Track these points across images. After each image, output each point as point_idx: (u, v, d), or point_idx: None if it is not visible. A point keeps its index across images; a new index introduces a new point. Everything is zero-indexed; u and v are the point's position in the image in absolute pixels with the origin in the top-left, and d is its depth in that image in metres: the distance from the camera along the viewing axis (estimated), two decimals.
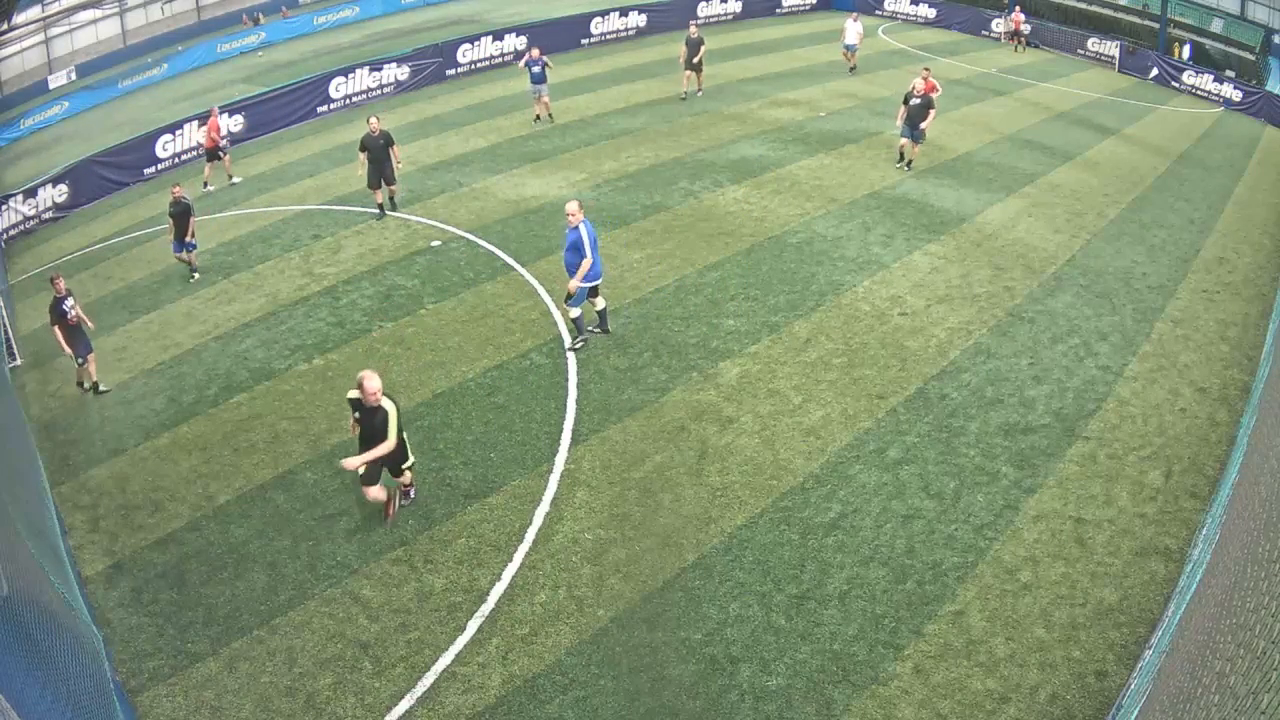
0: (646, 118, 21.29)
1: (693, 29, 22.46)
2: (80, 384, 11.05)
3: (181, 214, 13.96)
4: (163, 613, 7.72)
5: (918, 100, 16.63)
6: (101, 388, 11.09)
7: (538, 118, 21.21)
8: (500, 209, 15.99)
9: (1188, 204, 16.83)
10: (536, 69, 20.29)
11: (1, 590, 4.86)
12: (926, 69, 19.14)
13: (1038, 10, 33.30)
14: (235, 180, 19.32)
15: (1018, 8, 31.11)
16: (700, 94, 22.77)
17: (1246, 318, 12.39)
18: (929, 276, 13.21)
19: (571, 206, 10.61)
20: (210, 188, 18.92)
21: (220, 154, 19.25)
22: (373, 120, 15.65)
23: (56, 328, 10.91)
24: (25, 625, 5.20)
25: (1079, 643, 7.05)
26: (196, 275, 14.37)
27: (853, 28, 25.48)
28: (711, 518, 8.52)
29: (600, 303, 11.46)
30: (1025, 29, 30.77)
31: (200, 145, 20.36)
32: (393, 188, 16.08)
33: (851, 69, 25.81)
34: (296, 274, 14.08)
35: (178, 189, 14.29)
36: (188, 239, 14.13)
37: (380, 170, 15.62)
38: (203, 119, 20.52)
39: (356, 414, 8.20)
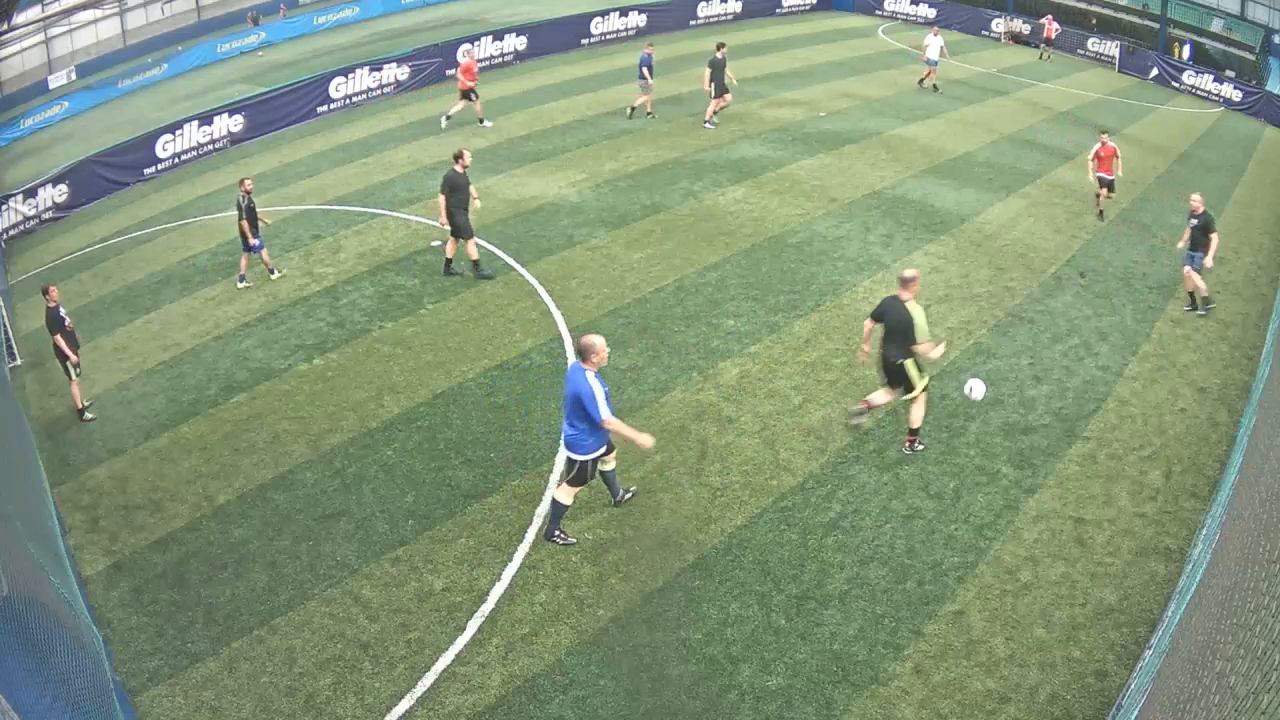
0: (646, 118, 21.28)
1: (720, 52, 19.87)
2: (81, 412, 10.85)
3: (252, 208, 13.59)
4: (163, 613, 7.72)
5: (1195, 221, 12.47)
6: (88, 415, 10.85)
7: (633, 111, 21.40)
8: (500, 209, 15.99)
9: (1188, 204, 16.80)
10: (646, 60, 20.73)
11: (1, 590, 4.86)
12: (1105, 132, 15.67)
13: (1038, 10, 33.29)
14: (487, 123, 21.12)
15: (1050, 16, 30.89)
16: (715, 124, 20.54)
17: (1246, 318, 12.40)
18: (929, 276, 13.21)
19: (599, 341, 7.73)
20: (488, 123, 21.10)
21: (474, 95, 20.81)
22: (466, 154, 13.06)
23: (58, 336, 10.75)
24: (25, 625, 5.20)
25: (1079, 643, 7.05)
26: (275, 273, 13.96)
27: (934, 42, 23.86)
28: (711, 518, 8.52)
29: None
30: (1024, 33, 30.71)
31: (457, 84, 21.36)
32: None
33: (924, 84, 24.16)
34: (296, 274, 14.08)
35: (249, 181, 13.75)
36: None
37: (466, 217, 12.98)
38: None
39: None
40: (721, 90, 20.15)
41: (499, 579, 7.87)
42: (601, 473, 8.18)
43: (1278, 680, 3.11)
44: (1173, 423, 9.93)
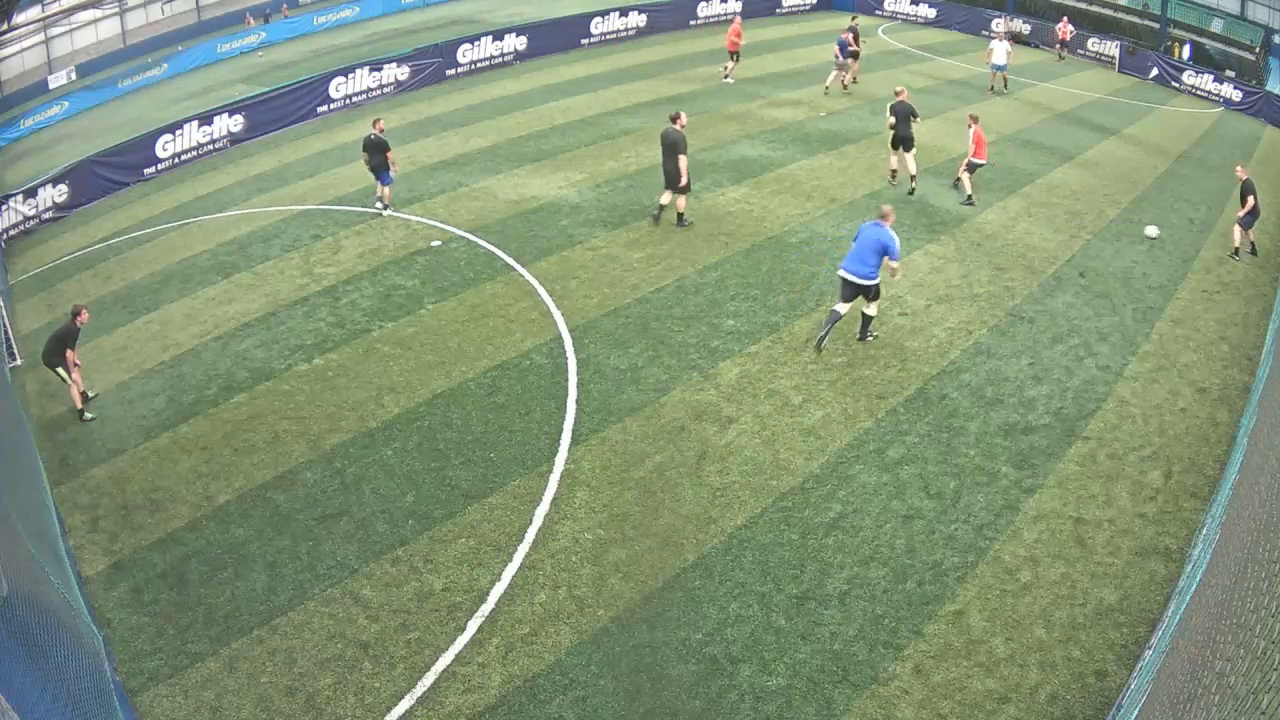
0: (646, 118, 21.28)
1: (854, 20, 23.80)
2: (81, 412, 10.86)
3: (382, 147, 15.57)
4: (163, 613, 7.72)
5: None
6: (87, 415, 10.87)
7: (828, 91, 23.12)
8: (500, 209, 15.99)
9: (1188, 204, 16.83)
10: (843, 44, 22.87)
11: (2, 590, 4.86)
12: (973, 115, 16.17)
13: (1038, 10, 33.27)
14: (730, 79, 24.13)
15: (1065, 18, 30.78)
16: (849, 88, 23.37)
17: (1246, 318, 12.39)
18: (929, 276, 13.21)
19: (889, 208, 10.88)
20: (730, 79, 24.18)
21: (737, 56, 24.06)
22: (683, 115, 14.21)
23: (71, 351, 10.82)
24: (25, 625, 5.20)
25: (1079, 643, 7.05)
26: (388, 210, 16.01)
27: (1000, 47, 23.94)
28: (711, 518, 8.52)
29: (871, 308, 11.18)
30: (1030, 35, 30.64)
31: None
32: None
33: (993, 89, 24.25)
34: (296, 274, 14.08)
35: (381, 122, 15.92)
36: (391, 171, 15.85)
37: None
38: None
39: None
40: (853, 55, 23.20)
41: (499, 579, 7.87)
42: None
43: (1278, 680, 3.11)
44: (1173, 423, 9.93)
